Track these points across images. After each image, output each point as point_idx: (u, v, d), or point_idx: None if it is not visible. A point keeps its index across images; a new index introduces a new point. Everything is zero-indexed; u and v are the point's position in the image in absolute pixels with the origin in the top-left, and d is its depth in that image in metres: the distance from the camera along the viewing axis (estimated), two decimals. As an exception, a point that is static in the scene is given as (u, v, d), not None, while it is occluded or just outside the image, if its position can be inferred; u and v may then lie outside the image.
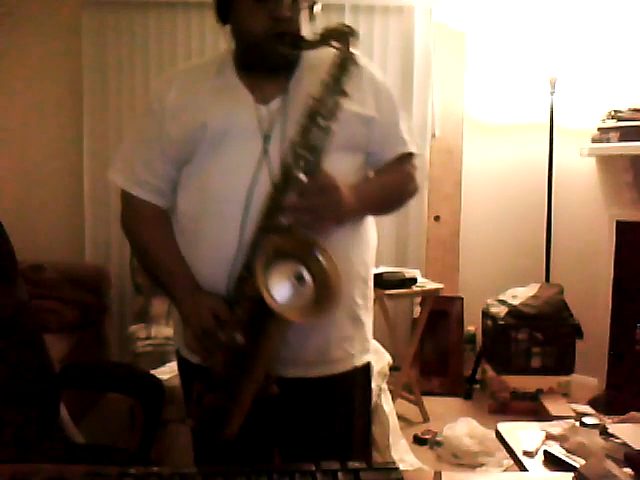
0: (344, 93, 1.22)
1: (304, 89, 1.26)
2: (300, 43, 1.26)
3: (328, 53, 1.24)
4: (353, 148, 1.34)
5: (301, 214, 1.18)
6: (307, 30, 1.29)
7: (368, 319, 1.43)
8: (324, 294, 1.17)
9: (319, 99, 1.21)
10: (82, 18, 3.65)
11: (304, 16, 1.28)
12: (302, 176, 1.19)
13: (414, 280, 3.28)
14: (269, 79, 1.31)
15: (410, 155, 1.43)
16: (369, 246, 1.41)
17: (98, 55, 3.68)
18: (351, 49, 1.22)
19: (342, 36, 1.22)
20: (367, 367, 1.44)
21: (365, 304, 1.41)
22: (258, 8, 1.24)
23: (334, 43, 1.22)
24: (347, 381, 1.39)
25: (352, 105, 1.28)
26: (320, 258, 1.19)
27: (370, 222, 1.43)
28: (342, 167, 1.28)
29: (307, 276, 1.18)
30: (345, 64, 1.22)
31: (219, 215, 1.28)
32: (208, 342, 1.23)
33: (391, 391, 2.93)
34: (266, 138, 1.27)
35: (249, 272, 1.18)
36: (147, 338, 3.05)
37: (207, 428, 1.28)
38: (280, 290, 1.15)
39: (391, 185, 1.41)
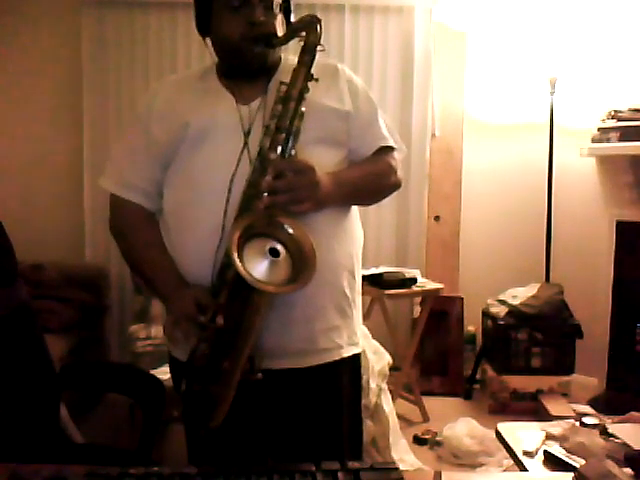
0: (312, 77, 1.27)
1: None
2: (272, 41, 1.31)
3: None
4: (332, 142, 1.38)
5: (277, 195, 1.21)
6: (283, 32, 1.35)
7: (355, 312, 1.45)
8: (300, 262, 1.20)
9: (289, 84, 1.26)
10: (82, 18, 3.65)
11: (279, 20, 1.35)
12: (277, 158, 1.24)
13: (414, 280, 3.28)
14: (250, 84, 1.37)
15: (390, 148, 1.45)
16: (354, 239, 1.44)
17: (98, 55, 3.68)
18: (316, 35, 1.26)
19: (308, 25, 1.27)
20: (355, 359, 1.46)
21: (352, 296, 1.42)
22: (234, 16, 1.31)
23: (302, 33, 1.28)
24: (335, 371, 1.40)
25: (329, 101, 1.36)
26: (289, 229, 1.22)
27: (355, 216, 1.45)
28: (322, 160, 1.32)
29: (280, 248, 1.20)
30: (310, 49, 1.27)
31: (202, 207, 1.31)
32: (187, 326, 1.25)
33: (391, 391, 2.93)
34: (247, 133, 1.31)
35: (229, 258, 1.20)
36: (147, 338, 3.05)
37: (194, 418, 1.31)
38: (257, 267, 1.17)
39: (370, 173, 1.42)
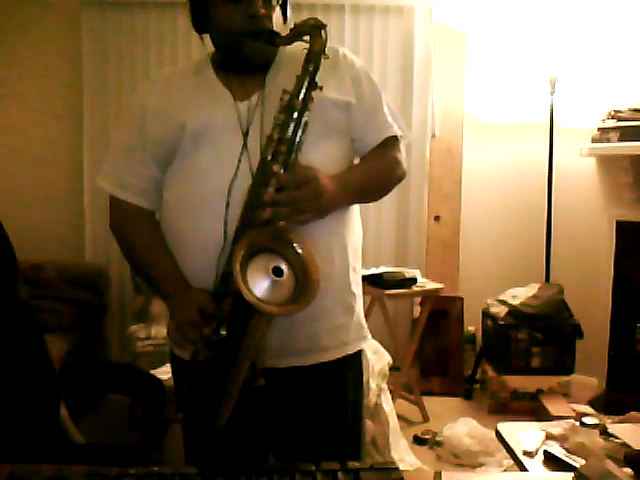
0: (317, 86, 1.24)
1: (280, 83, 1.28)
2: (274, 39, 1.28)
3: (302, 47, 1.27)
4: (333, 135, 1.35)
5: (280, 208, 1.19)
6: (281, 27, 1.33)
7: (360, 305, 1.45)
8: (303, 285, 1.18)
9: (292, 93, 1.23)
10: (82, 18, 3.65)
11: (277, 14, 1.33)
12: (280, 170, 1.21)
13: (414, 280, 3.28)
14: (247, 77, 1.34)
15: (395, 138, 1.43)
16: (355, 234, 1.42)
17: (98, 55, 3.68)
18: (321, 42, 1.23)
19: (313, 30, 1.23)
20: (358, 355, 1.45)
21: (357, 291, 1.42)
22: (233, 9, 1.28)
23: (306, 38, 1.24)
24: (339, 368, 1.40)
25: (329, 92, 1.31)
26: (297, 248, 1.20)
27: (356, 210, 1.44)
28: (324, 155, 1.30)
29: (285, 268, 1.19)
30: (316, 58, 1.23)
31: (202, 211, 1.30)
32: (190, 334, 1.24)
33: (391, 391, 2.93)
34: (246, 133, 1.29)
35: (232, 273, 1.19)
36: (147, 338, 3.05)
37: (197, 420, 1.29)
38: (259, 284, 1.16)
39: (376, 171, 1.40)
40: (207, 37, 1.38)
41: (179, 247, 1.36)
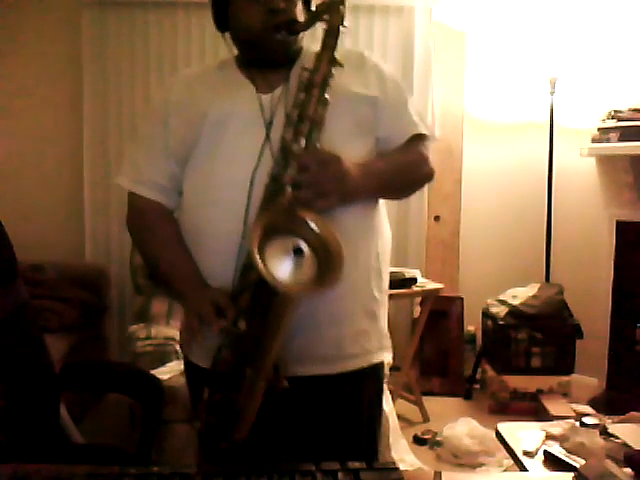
0: (337, 62, 1.21)
1: None
2: (294, 26, 1.27)
3: None
4: (361, 131, 1.32)
5: (301, 189, 1.14)
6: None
7: (384, 313, 1.39)
8: (326, 262, 1.11)
9: (312, 69, 1.21)
10: (82, 18, 3.65)
11: (300, 8, 1.30)
12: (300, 149, 1.17)
13: (414, 280, 3.28)
14: (270, 73, 1.32)
15: (422, 136, 1.39)
16: (382, 238, 1.37)
17: (98, 55, 3.68)
18: (340, 16, 1.21)
19: (330, 7, 1.21)
20: (380, 366, 1.41)
21: (381, 298, 1.37)
22: (253, 5, 1.27)
23: (325, 17, 1.22)
24: (362, 379, 1.35)
25: (355, 87, 1.30)
26: (314, 227, 1.13)
27: (383, 213, 1.39)
28: (351, 151, 1.26)
29: (305, 247, 1.11)
30: (334, 30, 1.21)
31: (222, 203, 1.25)
32: (202, 330, 1.19)
33: (391, 391, 2.93)
34: (268, 125, 1.25)
35: (251, 259, 1.12)
36: (147, 338, 3.05)
37: (216, 431, 1.22)
38: (280, 267, 1.08)
39: (402, 163, 1.35)
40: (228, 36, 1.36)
41: (197, 240, 1.31)
